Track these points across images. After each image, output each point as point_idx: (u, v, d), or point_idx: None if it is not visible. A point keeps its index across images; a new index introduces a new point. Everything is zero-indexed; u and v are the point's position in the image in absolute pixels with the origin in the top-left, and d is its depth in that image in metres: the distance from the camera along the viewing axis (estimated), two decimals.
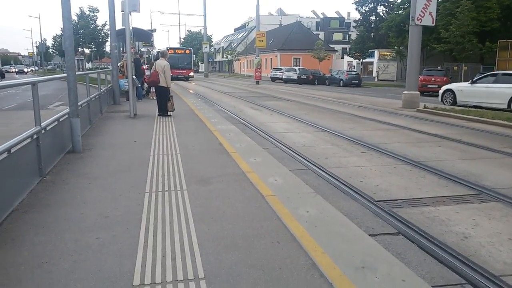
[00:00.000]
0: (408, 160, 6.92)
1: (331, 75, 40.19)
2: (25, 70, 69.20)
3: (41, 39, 67.42)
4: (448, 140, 8.98)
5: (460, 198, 5.07)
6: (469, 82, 17.12)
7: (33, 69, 75.19)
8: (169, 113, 11.13)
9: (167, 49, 40.06)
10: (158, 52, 26.27)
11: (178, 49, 45.53)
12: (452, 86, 17.99)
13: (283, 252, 3.18)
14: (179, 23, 72.36)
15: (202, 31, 58.28)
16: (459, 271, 3.25)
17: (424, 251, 3.62)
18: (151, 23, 59.83)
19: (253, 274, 2.86)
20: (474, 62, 32.38)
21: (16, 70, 68.38)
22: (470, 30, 28.70)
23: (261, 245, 3.29)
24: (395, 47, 41.91)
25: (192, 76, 43.28)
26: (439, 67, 30.67)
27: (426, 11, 15.14)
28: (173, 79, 36.83)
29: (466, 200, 5.01)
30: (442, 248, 3.64)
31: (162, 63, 11.01)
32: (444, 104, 17.09)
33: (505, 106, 14.73)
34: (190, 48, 46.31)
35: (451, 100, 17.28)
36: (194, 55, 53.56)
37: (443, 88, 18.22)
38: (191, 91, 25.06)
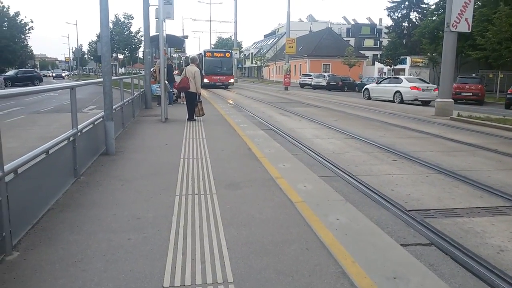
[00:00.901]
0: (441, 169, 6.74)
1: (362, 81, 39.72)
2: (63, 75, 69.72)
3: (78, 45, 69.70)
4: (483, 149, 8.70)
5: (496, 209, 4.90)
6: (376, 82, 27.19)
7: (67, 73, 77.54)
8: (195, 117, 11.25)
9: (205, 52, 36.59)
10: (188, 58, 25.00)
11: (217, 51, 38.43)
12: (368, 86, 27.41)
13: (313, 259, 3.16)
14: (210, 30, 73.19)
15: (233, 38, 58.79)
16: (495, 286, 3.14)
17: (458, 263, 3.51)
18: (183, 29, 61.22)
19: (282, 280, 2.85)
20: (511, 69, 31.29)
21: (54, 74, 69.05)
22: (508, 37, 27.75)
23: (290, 251, 3.28)
24: (428, 54, 41.02)
25: (233, 84, 37.59)
26: (473, 75, 29.82)
27: (461, 17, 14.77)
28: (210, 86, 33.82)
29: (502, 212, 4.83)
30: (477, 261, 3.52)
31: (192, 69, 11.16)
32: (364, 99, 25.74)
33: (391, 98, 23.49)
34: (230, 51, 39.13)
35: (367, 95, 26.01)
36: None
37: (364, 87, 27.78)
38: (230, 101, 21.28)
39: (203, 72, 29.94)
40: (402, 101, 22.44)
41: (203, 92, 22.42)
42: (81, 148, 5.43)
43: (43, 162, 4.09)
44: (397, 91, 22.92)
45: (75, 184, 5.04)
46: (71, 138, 5.02)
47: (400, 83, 23.39)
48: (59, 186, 4.61)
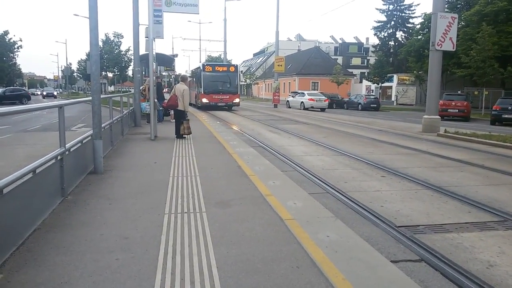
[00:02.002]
0: (429, 185, 6.80)
1: (350, 99, 40.18)
2: (55, 93, 60.94)
3: (67, 63, 69.68)
4: (471, 165, 8.80)
5: (484, 224, 4.93)
6: (292, 96, 38.31)
7: (59, 91, 74.92)
8: (184, 136, 11.23)
9: (203, 65, 29.09)
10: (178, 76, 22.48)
11: (219, 65, 31.40)
12: (288, 98, 38.80)
13: (303, 277, 3.13)
14: (200, 48, 73.78)
15: (222, 56, 59.18)
16: None
17: (448, 279, 3.51)
18: (172, 48, 61.56)
19: None
20: (495, 86, 31.96)
21: (45, 93, 60.87)
22: (491, 55, 28.42)
23: (280, 269, 3.25)
24: (414, 72, 41.76)
25: (238, 104, 29.88)
26: (459, 92, 30.38)
27: (446, 36, 15.11)
28: (210, 108, 27.58)
29: (491, 227, 4.87)
30: (467, 276, 3.53)
31: (181, 87, 11.21)
32: (286, 107, 36.25)
33: (298, 107, 34.27)
34: (235, 65, 31.09)
35: (288, 105, 37.12)
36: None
37: (286, 99, 39.64)
38: (219, 119, 19.90)
39: (202, 90, 27.79)
40: (304, 108, 33.24)
41: (203, 115, 21.33)
42: (69, 167, 5.38)
43: (30, 182, 4.03)
44: (302, 101, 34.07)
45: (63, 203, 4.97)
46: (59, 157, 4.97)
47: (303, 96, 34.57)
48: (46, 205, 4.54)
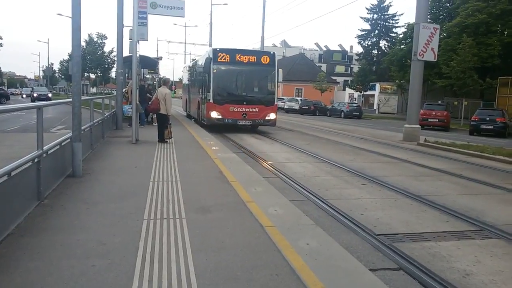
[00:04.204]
0: (409, 193, 6.88)
1: (333, 106, 40.55)
2: (49, 95, 46.51)
3: (48, 63, 68.50)
4: (449, 174, 8.95)
5: (462, 234, 5.02)
6: None
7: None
8: (167, 140, 11.15)
9: (215, 53, 16.08)
10: (160, 79, 20.41)
11: (243, 53, 16.91)
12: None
13: (282, 285, 3.12)
14: (185, 52, 73.47)
15: None
16: None
17: None
18: (157, 50, 60.61)
19: None
20: (475, 97, 32.73)
21: (36, 94, 43.90)
22: (471, 66, 29.09)
23: (260, 277, 3.23)
24: (397, 81, 42.43)
25: (274, 122, 17.04)
26: (439, 102, 30.96)
27: (428, 47, 15.41)
28: (224, 127, 16.58)
29: (468, 236, 4.95)
30: (444, 285, 3.58)
31: (163, 91, 11.14)
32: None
33: None
34: (271, 53, 17.48)
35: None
36: None
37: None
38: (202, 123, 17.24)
39: (210, 96, 15.99)
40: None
41: (212, 139, 12.65)
42: (46, 169, 5.26)
43: (5, 185, 3.92)
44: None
45: (38, 207, 4.85)
46: (36, 160, 4.86)
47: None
48: (20, 209, 4.42)
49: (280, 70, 17.12)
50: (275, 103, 16.95)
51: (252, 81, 17.17)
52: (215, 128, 16.24)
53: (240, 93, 16.53)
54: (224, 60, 16.12)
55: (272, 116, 16.56)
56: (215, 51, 16.24)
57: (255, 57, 16.66)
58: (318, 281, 3.19)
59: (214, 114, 15.91)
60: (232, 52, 16.42)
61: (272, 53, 17.21)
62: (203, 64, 17.44)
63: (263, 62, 16.59)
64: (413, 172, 9.17)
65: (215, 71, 16.00)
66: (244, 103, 16.05)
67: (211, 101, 15.91)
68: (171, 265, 3.39)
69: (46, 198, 5.19)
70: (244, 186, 6.28)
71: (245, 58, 16.40)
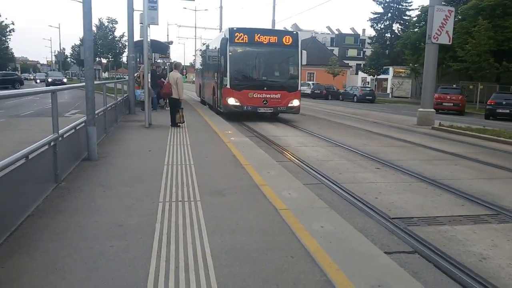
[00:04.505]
0: (423, 177, 6.83)
1: (345, 90, 40.22)
2: (65, 80, 46.63)
3: (60, 48, 68.75)
4: (465, 158, 8.85)
5: (478, 218, 4.98)
6: None
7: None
8: (179, 124, 11.18)
9: (232, 33, 14.61)
10: (172, 63, 19.78)
11: (263, 32, 15.15)
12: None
13: (297, 267, 3.14)
14: (195, 36, 73.01)
15: None
16: None
17: (441, 271, 3.54)
18: (167, 35, 60.73)
19: None
20: (490, 81, 32.08)
21: (50, 79, 43.20)
22: (486, 49, 28.48)
23: (275, 259, 3.25)
24: (410, 65, 41.78)
25: (297, 108, 15.62)
26: (454, 85, 30.47)
27: (443, 30, 15.10)
28: (241, 115, 15.37)
29: (484, 220, 4.91)
30: (460, 268, 3.56)
31: (175, 75, 11.12)
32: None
33: None
34: (294, 32, 16.02)
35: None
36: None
37: None
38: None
39: (226, 80, 14.69)
40: None
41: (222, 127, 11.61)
42: (63, 153, 5.32)
43: (23, 167, 3.98)
44: None
45: (56, 190, 4.93)
46: (52, 143, 4.91)
47: None
48: (39, 192, 4.50)
49: (304, 52, 15.39)
50: (299, 88, 15.47)
51: (273, 64, 15.65)
52: (232, 115, 15.27)
53: (260, 77, 15.10)
54: (242, 41, 14.67)
55: (295, 102, 15.15)
56: (232, 31, 14.68)
57: (276, 37, 14.94)
58: (333, 263, 3.20)
59: (231, 101, 14.64)
60: (251, 31, 14.83)
61: (295, 32, 15.65)
62: (218, 46, 15.72)
63: (285, 42, 14.97)
64: (428, 156, 9.08)
65: (231, 53, 14.65)
66: (265, 88, 14.67)
67: (228, 86, 14.58)
68: (187, 246, 3.43)
69: (63, 181, 5.27)
70: (257, 170, 6.29)
71: (265, 38, 14.79)
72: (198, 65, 26.68)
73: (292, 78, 15.43)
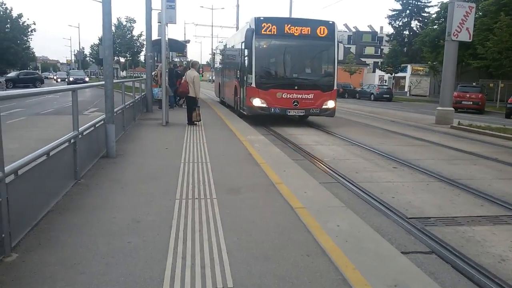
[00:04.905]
0: (442, 177, 6.74)
1: (362, 89, 39.86)
2: (86, 79, 44.59)
3: (80, 48, 69.83)
4: (484, 158, 8.69)
5: (497, 218, 4.89)
6: None
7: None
8: (196, 122, 11.26)
9: (258, 23, 12.61)
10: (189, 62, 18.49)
11: (294, 22, 13.14)
12: None
13: (313, 265, 3.14)
14: (212, 35, 73.35)
15: None
16: None
17: (458, 272, 3.50)
18: (184, 34, 61.04)
19: (282, 286, 2.83)
20: (511, 79, 31.38)
21: (71, 78, 42.80)
22: (508, 46, 27.84)
23: (290, 257, 3.26)
24: (429, 62, 41.15)
25: (332, 111, 13.41)
26: (474, 83, 29.89)
27: (463, 27, 14.84)
28: (267, 118, 13.45)
29: (503, 221, 4.83)
30: (478, 270, 3.51)
31: (192, 73, 11.20)
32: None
33: None
34: (330, 22, 13.24)
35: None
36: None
37: None
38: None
39: (252, 78, 12.91)
40: None
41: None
42: (82, 150, 5.42)
43: (44, 164, 4.07)
44: None
45: (75, 186, 5.02)
46: (72, 140, 5.01)
47: None
48: (59, 188, 4.60)
49: (341, 45, 13.40)
50: (335, 87, 13.29)
51: (305, 59, 13.66)
52: (259, 120, 13.39)
53: (291, 75, 13.22)
54: (270, 32, 12.72)
55: (330, 104, 13.08)
56: (259, 21, 12.70)
57: (309, 28, 12.86)
58: (349, 263, 3.19)
59: (256, 102, 12.69)
60: (280, 21, 12.89)
61: (331, 22, 13.22)
62: (242, 39, 13.45)
63: (319, 34, 12.89)
64: (446, 156, 8.95)
65: (258, 46, 12.80)
66: (296, 87, 12.73)
67: (253, 85, 12.70)
68: (203, 243, 3.46)
69: (82, 178, 5.37)
70: (273, 168, 6.29)
71: (297, 29, 12.78)
72: (217, 63, 25.06)
73: (327, 75, 13.44)
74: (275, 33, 12.73)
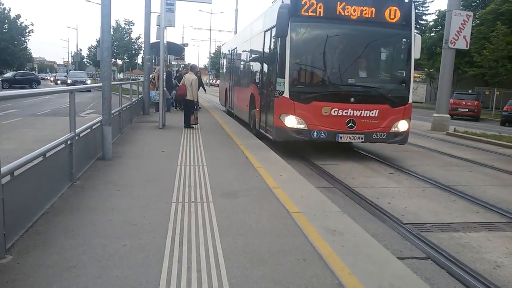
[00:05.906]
0: (437, 183, 6.76)
1: None
2: (88, 81, 40.90)
3: (77, 49, 69.79)
4: (480, 165, 8.73)
5: (492, 225, 4.92)
6: None
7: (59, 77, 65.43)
8: (193, 126, 11.25)
9: (298, 2, 7.74)
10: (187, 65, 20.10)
11: (354, 2, 8.05)
12: None
13: (309, 270, 3.13)
14: (210, 39, 73.51)
15: None
16: None
17: (454, 277, 3.51)
18: (183, 37, 60.82)
19: None
20: (507, 87, 31.56)
21: (70, 81, 38.70)
22: (504, 55, 28.06)
23: (287, 261, 3.25)
24: (426, 69, 41.36)
25: (405, 136, 8.76)
26: (470, 91, 30.05)
27: (460, 34, 14.95)
28: (323, 147, 9.84)
29: (498, 227, 4.85)
30: (473, 276, 3.52)
31: (190, 77, 11.20)
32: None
33: None
34: (408, 1, 8.56)
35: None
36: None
37: None
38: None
39: (283, 85, 8.21)
40: None
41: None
42: (78, 152, 5.40)
43: (40, 165, 4.06)
44: None
45: (71, 188, 5.00)
46: (69, 142, 4.99)
47: None
48: (55, 189, 4.58)
49: (418, 37, 8.98)
50: (410, 100, 8.82)
51: (367, 56, 9.05)
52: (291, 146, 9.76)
53: (344, 81, 8.54)
54: (314, 14, 8.14)
55: (402, 126, 8.70)
56: (296, 2, 8.06)
57: (373, 9, 8.32)
58: (345, 267, 3.18)
59: (291, 122, 8.32)
60: (331, 3, 8.22)
61: (406, 0, 8.78)
62: (267, 24, 9.73)
63: (388, 19, 8.42)
64: (442, 162, 8.99)
65: (296, 34, 8.24)
66: (352, 100, 8.28)
67: (287, 95, 8.22)
68: (199, 247, 3.45)
69: (78, 180, 5.35)
70: (270, 172, 6.29)
71: (355, 10, 8.24)
72: (224, 65, 19.63)
73: (399, 82, 9.15)
74: (321, 14, 8.18)
